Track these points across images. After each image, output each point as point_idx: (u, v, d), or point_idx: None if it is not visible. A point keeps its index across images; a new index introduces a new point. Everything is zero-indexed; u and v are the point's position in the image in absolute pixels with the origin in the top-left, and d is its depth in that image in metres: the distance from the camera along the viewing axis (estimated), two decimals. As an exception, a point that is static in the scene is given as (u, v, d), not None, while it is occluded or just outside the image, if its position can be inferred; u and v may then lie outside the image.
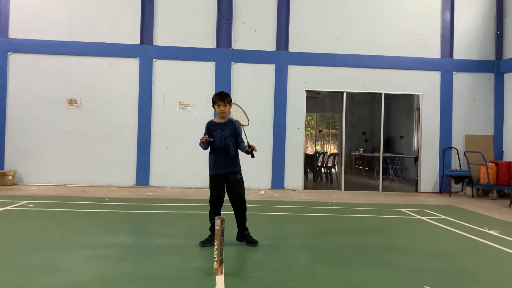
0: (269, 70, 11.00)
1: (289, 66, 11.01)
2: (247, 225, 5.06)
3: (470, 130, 11.37)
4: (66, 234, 5.43)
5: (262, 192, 10.14)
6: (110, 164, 10.66)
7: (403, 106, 15.04)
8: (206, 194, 5.09)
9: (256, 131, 10.47)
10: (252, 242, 4.99)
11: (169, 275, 3.91)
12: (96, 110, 10.69)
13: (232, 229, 5.05)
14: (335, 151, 17.71)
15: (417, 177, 11.53)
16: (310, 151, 19.53)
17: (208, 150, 5.03)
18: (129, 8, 10.81)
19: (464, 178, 10.87)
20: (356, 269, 4.24)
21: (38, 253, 4.53)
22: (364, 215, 7.51)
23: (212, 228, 4.91)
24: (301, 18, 11.10)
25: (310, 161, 13.41)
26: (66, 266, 4.08)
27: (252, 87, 10.93)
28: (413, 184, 11.98)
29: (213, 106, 5.06)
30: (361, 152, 15.42)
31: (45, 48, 10.59)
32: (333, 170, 13.46)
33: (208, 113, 10.18)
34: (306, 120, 11.47)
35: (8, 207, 7.14)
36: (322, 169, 13.68)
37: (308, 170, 13.08)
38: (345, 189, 11.28)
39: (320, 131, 20.99)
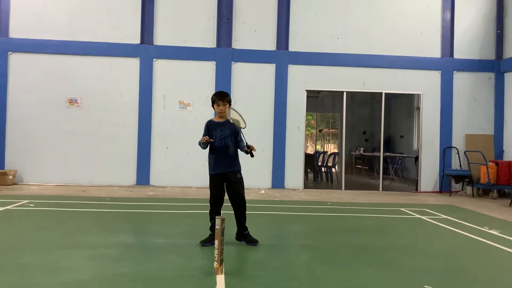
0: (269, 69, 11.00)
1: (289, 65, 11.01)
2: (246, 224, 5.06)
3: (470, 130, 11.37)
4: (66, 233, 5.43)
5: (263, 191, 10.14)
6: (110, 164, 10.67)
7: (404, 106, 15.04)
8: (207, 194, 5.09)
9: (257, 130, 10.53)
10: (252, 242, 4.99)
11: (170, 274, 3.92)
12: (97, 110, 10.69)
13: (232, 229, 5.05)
14: (336, 150, 17.71)
15: (417, 177, 11.52)
16: (311, 150, 19.52)
17: (208, 149, 5.02)
18: (130, 8, 10.81)
19: (464, 178, 10.87)
20: (356, 269, 4.24)
21: (39, 252, 4.53)
22: (364, 215, 7.51)
23: (212, 228, 4.91)
24: (302, 18, 11.10)
25: (310, 160, 13.40)
26: (66, 266, 4.08)
27: (252, 87, 10.93)
28: (413, 184, 11.98)
29: (212, 105, 5.06)
30: (362, 152, 15.41)
31: (45, 48, 10.60)
32: (333, 169, 13.46)
33: (208, 113, 10.17)
34: (306, 120, 11.47)
35: (8, 207, 7.15)
36: (323, 168, 13.68)
37: (309, 170, 13.08)
38: (345, 189, 11.28)
39: (320, 131, 20.99)
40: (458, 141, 11.32)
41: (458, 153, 11.24)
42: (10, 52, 10.56)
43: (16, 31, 10.59)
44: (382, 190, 11.30)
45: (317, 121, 20.49)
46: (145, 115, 10.73)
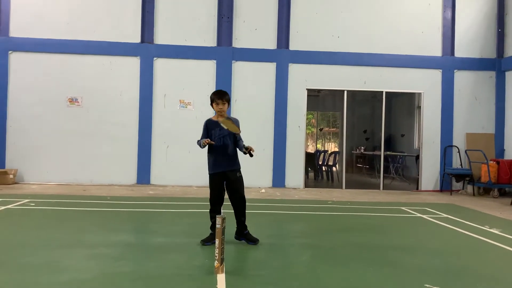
0: (270, 68, 10.99)
1: (290, 64, 11.00)
2: (246, 223, 5.05)
3: (471, 128, 11.36)
4: (67, 232, 5.43)
5: (263, 190, 10.14)
6: (111, 163, 10.67)
7: (404, 105, 15.02)
8: (207, 193, 5.09)
9: (257, 129, 10.56)
10: (252, 241, 4.99)
11: (170, 273, 3.92)
12: (97, 109, 10.69)
13: (233, 228, 5.05)
14: (336, 149, 17.70)
15: (418, 176, 11.51)
16: (311, 149, 19.53)
17: (206, 148, 5.01)
18: (130, 7, 10.80)
19: (465, 177, 10.87)
20: (357, 268, 4.24)
21: (39, 251, 4.53)
22: (365, 214, 7.51)
23: (213, 227, 4.91)
24: (302, 17, 11.08)
25: (311, 159, 13.41)
26: (67, 265, 4.09)
27: (252, 86, 10.92)
28: (414, 183, 11.98)
29: (211, 104, 5.05)
30: (362, 151, 15.40)
31: (45, 47, 10.59)
32: (334, 168, 13.45)
33: (208, 112, 10.13)
34: (307, 119, 11.46)
35: (9, 206, 7.15)
36: (323, 167, 13.68)
37: (309, 169, 13.08)
38: (346, 188, 11.27)
39: (321, 130, 20.98)
40: (459, 139, 11.31)
41: (459, 152, 11.23)
42: (10, 51, 10.55)
43: (16, 30, 10.58)
44: (383, 189, 11.29)
45: (318, 120, 20.47)
46: (146, 114, 10.73)
